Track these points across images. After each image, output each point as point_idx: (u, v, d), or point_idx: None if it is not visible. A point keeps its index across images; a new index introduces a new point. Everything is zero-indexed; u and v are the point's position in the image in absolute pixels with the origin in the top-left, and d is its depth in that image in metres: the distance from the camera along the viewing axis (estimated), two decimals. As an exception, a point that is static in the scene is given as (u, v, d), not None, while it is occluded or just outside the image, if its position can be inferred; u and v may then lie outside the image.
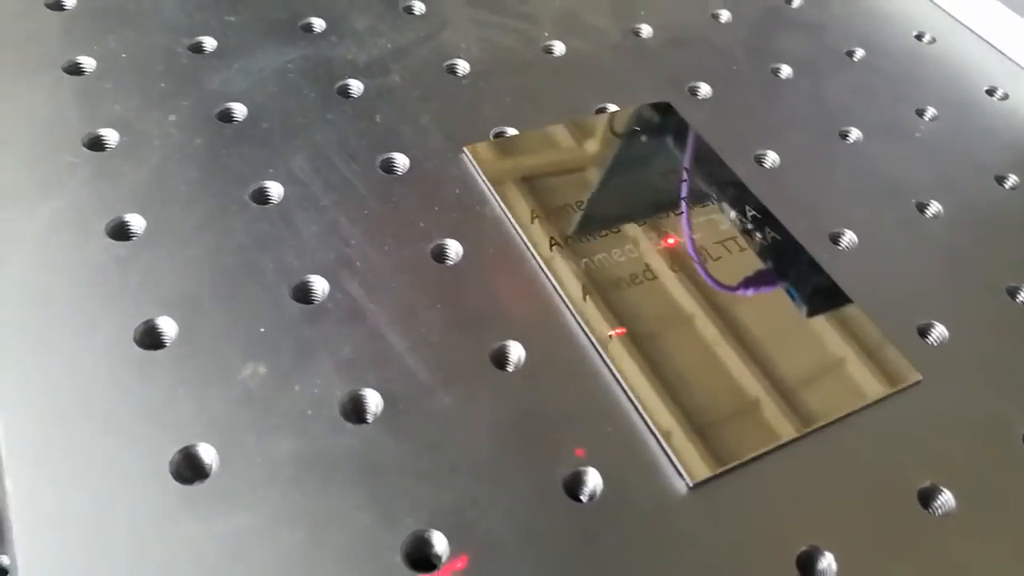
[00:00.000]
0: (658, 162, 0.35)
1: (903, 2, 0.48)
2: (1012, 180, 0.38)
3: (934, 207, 0.36)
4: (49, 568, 0.22)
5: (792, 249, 0.33)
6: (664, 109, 0.38)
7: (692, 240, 0.32)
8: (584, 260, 0.31)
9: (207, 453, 0.25)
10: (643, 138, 0.36)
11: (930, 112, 0.40)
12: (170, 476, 0.24)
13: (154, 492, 0.24)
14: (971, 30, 0.46)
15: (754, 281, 0.31)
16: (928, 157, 0.38)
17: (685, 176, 0.35)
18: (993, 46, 0.45)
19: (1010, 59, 0.45)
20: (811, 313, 0.30)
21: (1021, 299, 0.33)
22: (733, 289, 0.31)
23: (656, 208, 0.33)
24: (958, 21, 0.47)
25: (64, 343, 0.26)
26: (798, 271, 0.32)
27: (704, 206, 0.34)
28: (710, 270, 0.31)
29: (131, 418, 0.25)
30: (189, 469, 0.24)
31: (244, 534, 0.23)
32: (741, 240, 0.32)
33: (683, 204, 0.34)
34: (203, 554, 0.23)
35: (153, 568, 0.22)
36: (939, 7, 0.48)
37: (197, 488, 0.24)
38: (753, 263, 0.32)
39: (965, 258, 0.34)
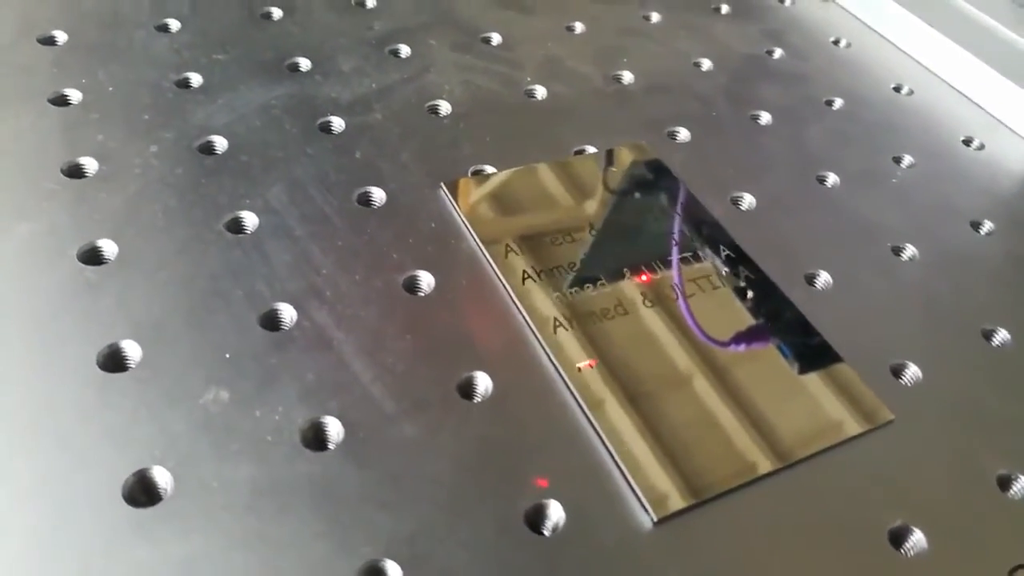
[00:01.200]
0: (642, 203, 0.36)
1: (882, 56, 0.49)
2: (988, 226, 0.38)
3: (910, 251, 0.36)
4: (-7, 588, 0.22)
5: (767, 289, 0.32)
6: (643, 153, 0.38)
7: (680, 279, 0.32)
8: (557, 294, 0.31)
9: (162, 477, 0.24)
10: (627, 181, 0.37)
11: (907, 160, 0.41)
12: (122, 499, 0.24)
13: (106, 514, 0.23)
14: (948, 84, 0.47)
15: (743, 335, 0.31)
16: (904, 202, 0.38)
17: (674, 220, 0.35)
18: (970, 99, 0.46)
19: (986, 111, 0.45)
20: (794, 353, 0.30)
21: (996, 342, 0.33)
22: (720, 343, 0.30)
23: (636, 248, 0.33)
24: (936, 75, 0.48)
25: (28, 362, 0.26)
26: (773, 310, 0.32)
27: (683, 246, 0.34)
28: (693, 310, 0.31)
29: (88, 439, 0.25)
30: (142, 493, 0.24)
31: (196, 559, 0.23)
32: (715, 279, 0.32)
33: (672, 245, 0.34)
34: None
35: (102, 591, 0.22)
36: (917, 62, 0.49)
37: (149, 512, 0.23)
38: (727, 301, 0.32)
39: (940, 301, 0.34)
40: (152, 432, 0.25)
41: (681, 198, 0.36)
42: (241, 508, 0.24)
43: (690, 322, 0.31)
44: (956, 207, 0.39)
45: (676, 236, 0.34)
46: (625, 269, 0.32)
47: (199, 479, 0.24)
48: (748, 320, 0.31)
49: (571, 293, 0.31)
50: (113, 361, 0.27)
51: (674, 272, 0.32)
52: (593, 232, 0.34)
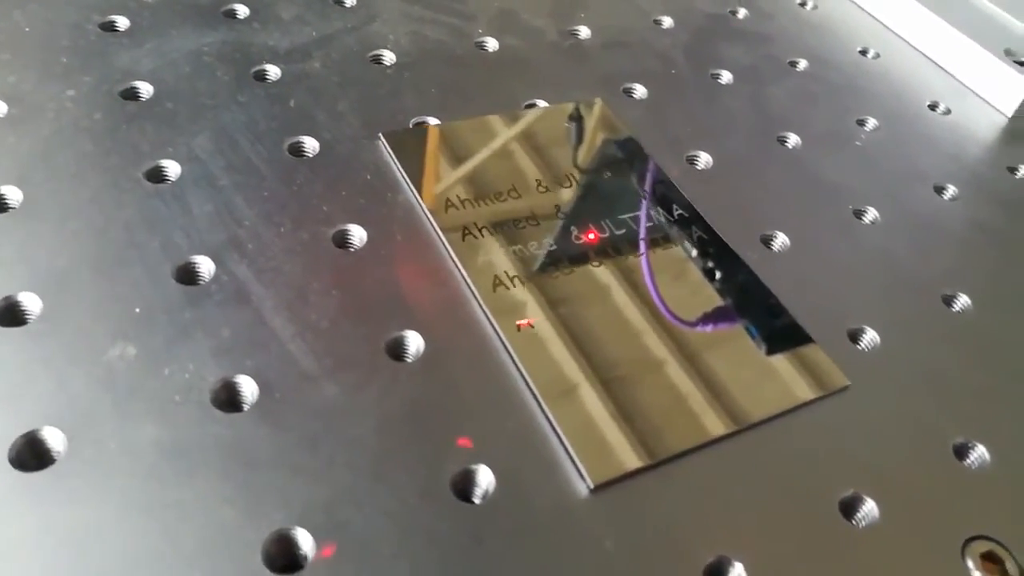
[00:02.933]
0: (594, 159, 0.34)
1: (849, 19, 0.48)
2: (951, 191, 0.36)
3: (871, 214, 0.34)
4: None
5: (720, 250, 0.31)
6: (597, 108, 0.36)
7: (645, 241, 0.30)
8: (500, 250, 0.29)
9: (54, 438, 0.22)
10: (579, 137, 0.35)
11: (871, 123, 0.39)
12: (8, 462, 0.21)
13: (-9, 478, 0.21)
14: (915, 47, 0.46)
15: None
16: (867, 165, 0.37)
17: (630, 176, 0.33)
18: (937, 63, 0.45)
19: (953, 77, 0.44)
20: (739, 311, 0.29)
21: (957, 308, 0.31)
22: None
23: (586, 205, 0.32)
24: (902, 38, 0.46)
25: (-89, 315, 0.24)
26: (726, 270, 0.30)
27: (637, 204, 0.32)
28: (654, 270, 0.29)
29: (-25, 398, 0.23)
30: (32, 456, 0.22)
31: (87, 527, 0.21)
32: (667, 235, 0.31)
33: (637, 203, 0.32)
34: (42, 547, 0.20)
35: (-15, 562, 0.20)
36: (884, 25, 0.47)
37: (38, 476, 0.21)
38: (679, 259, 0.30)
39: (901, 265, 0.32)
40: (47, 390, 0.23)
41: (637, 158, 0.34)
42: (142, 472, 0.22)
43: (648, 280, 0.29)
44: (920, 171, 0.37)
45: (634, 193, 0.32)
46: (572, 228, 0.30)
47: (96, 441, 0.22)
48: (705, 285, 0.30)
49: (515, 251, 0.29)
50: (9, 314, 0.25)
51: (641, 230, 0.31)
52: (541, 188, 0.32)
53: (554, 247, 0.30)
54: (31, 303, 0.25)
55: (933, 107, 0.42)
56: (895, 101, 0.41)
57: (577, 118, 0.36)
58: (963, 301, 0.31)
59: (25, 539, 0.20)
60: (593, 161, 0.34)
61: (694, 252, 0.30)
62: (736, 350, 0.28)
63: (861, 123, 0.39)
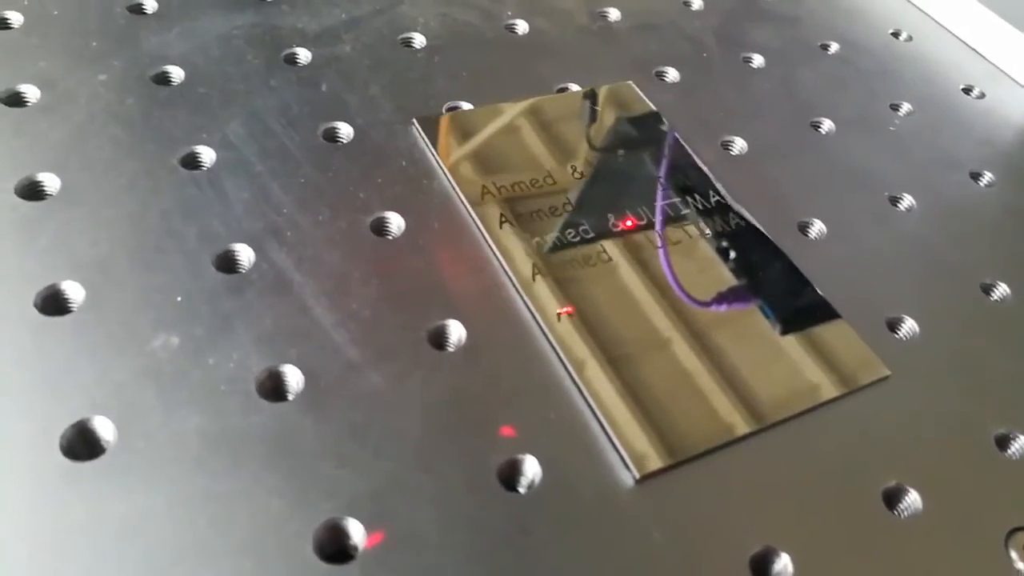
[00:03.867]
0: (629, 147, 0.34)
1: (880, 0, 0.47)
2: (988, 177, 0.36)
3: (907, 200, 0.34)
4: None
5: (757, 238, 0.31)
6: (630, 93, 0.36)
7: (663, 227, 0.30)
8: (536, 239, 0.29)
9: (104, 428, 0.22)
10: (613, 123, 0.35)
11: (905, 107, 0.39)
12: (60, 451, 0.22)
13: (43, 468, 0.21)
14: (948, 30, 0.45)
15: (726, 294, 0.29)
16: (902, 151, 0.36)
17: (662, 165, 0.33)
18: (970, 47, 0.44)
19: (987, 60, 0.43)
20: (779, 313, 0.28)
21: (995, 297, 0.31)
22: (701, 302, 0.29)
23: (622, 193, 0.31)
24: (935, 21, 0.45)
25: (-44, 304, 0.24)
26: (762, 261, 0.30)
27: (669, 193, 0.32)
28: (673, 261, 0.29)
29: (24, 386, 0.23)
30: (82, 444, 0.22)
31: (139, 516, 0.21)
32: (702, 224, 0.31)
33: (658, 192, 0.32)
34: (93, 536, 0.20)
35: (40, 548, 0.20)
36: (916, 6, 0.47)
37: (89, 466, 0.21)
38: (710, 254, 0.30)
39: (938, 253, 0.32)
40: (94, 380, 0.23)
41: (669, 142, 0.34)
42: (190, 462, 0.22)
43: (668, 274, 0.29)
44: (955, 157, 0.37)
45: (663, 182, 0.32)
46: (609, 215, 0.30)
47: (144, 431, 0.22)
48: (731, 277, 0.29)
49: (552, 239, 0.29)
50: (53, 303, 0.25)
51: (657, 220, 0.31)
52: (577, 175, 0.32)
53: (591, 235, 0.29)
54: (74, 292, 0.25)
55: (967, 91, 0.41)
56: (928, 85, 0.41)
57: (609, 102, 0.35)
58: (1002, 290, 0.31)
59: (77, 528, 0.20)
60: (627, 145, 0.34)
61: (723, 243, 0.30)
62: (774, 341, 0.27)
63: (895, 108, 0.39)
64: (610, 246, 0.29)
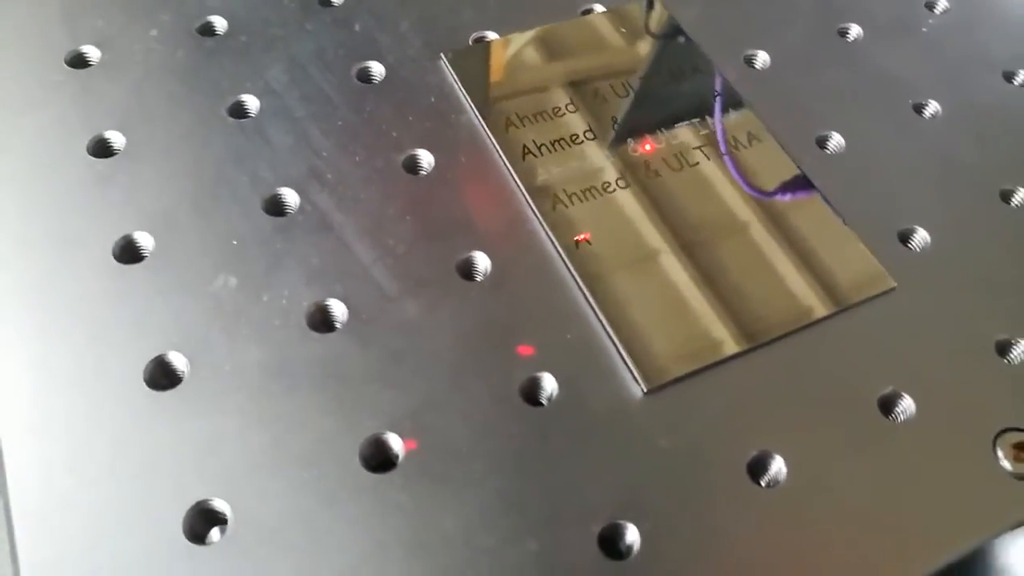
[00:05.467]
0: (654, 68, 0.34)
1: None
2: (1022, 76, 0.36)
3: (932, 107, 0.34)
4: (36, 466, 0.24)
5: (774, 154, 0.32)
6: (657, 9, 0.37)
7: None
8: (556, 169, 0.31)
9: (179, 361, 0.26)
10: (639, 44, 0.35)
11: (941, 5, 0.38)
12: (144, 383, 0.25)
13: (131, 398, 0.25)
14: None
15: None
16: (933, 54, 0.36)
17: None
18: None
19: (1038, -57, 0.41)
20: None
21: (1015, 202, 0.32)
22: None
23: (645, 115, 0.33)
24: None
25: (46, 257, 0.28)
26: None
27: (683, 114, 0.33)
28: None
29: (109, 329, 0.26)
30: (163, 376, 0.26)
31: (215, 436, 0.25)
32: (705, 149, 0.32)
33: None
34: (179, 454, 0.24)
35: (134, 465, 0.24)
36: None
37: (169, 394, 0.25)
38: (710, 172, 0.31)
39: (959, 160, 0.33)
40: (168, 320, 0.27)
41: (692, 58, 0.35)
42: (253, 389, 0.25)
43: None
44: (990, 57, 0.36)
45: (698, 98, 0.33)
46: (630, 139, 0.32)
47: (212, 363, 0.26)
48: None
49: (572, 167, 0.31)
50: (129, 253, 0.28)
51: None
52: (599, 99, 0.33)
53: (612, 158, 0.31)
54: (145, 241, 0.28)
55: (1010, -19, 0.40)
56: (969, -23, 0.40)
57: (635, 22, 0.36)
58: (1021, 195, 0.32)
59: (162, 448, 0.24)
60: (652, 67, 0.35)
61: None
62: (786, 255, 0.29)
63: (930, 6, 0.38)
64: (627, 171, 0.31)
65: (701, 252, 0.29)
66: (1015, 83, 0.36)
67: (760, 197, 0.30)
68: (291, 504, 0.24)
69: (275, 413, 0.25)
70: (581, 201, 0.30)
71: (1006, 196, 0.32)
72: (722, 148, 0.31)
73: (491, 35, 0.35)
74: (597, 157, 0.31)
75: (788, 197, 0.30)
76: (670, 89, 0.34)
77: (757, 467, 0.25)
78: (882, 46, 0.36)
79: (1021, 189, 0.32)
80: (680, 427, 0.26)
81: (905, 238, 0.30)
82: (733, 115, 0.33)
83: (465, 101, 0.33)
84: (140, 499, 0.23)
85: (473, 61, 0.34)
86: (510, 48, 0.35)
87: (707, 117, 0.33)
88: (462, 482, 0.24)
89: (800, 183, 0.31)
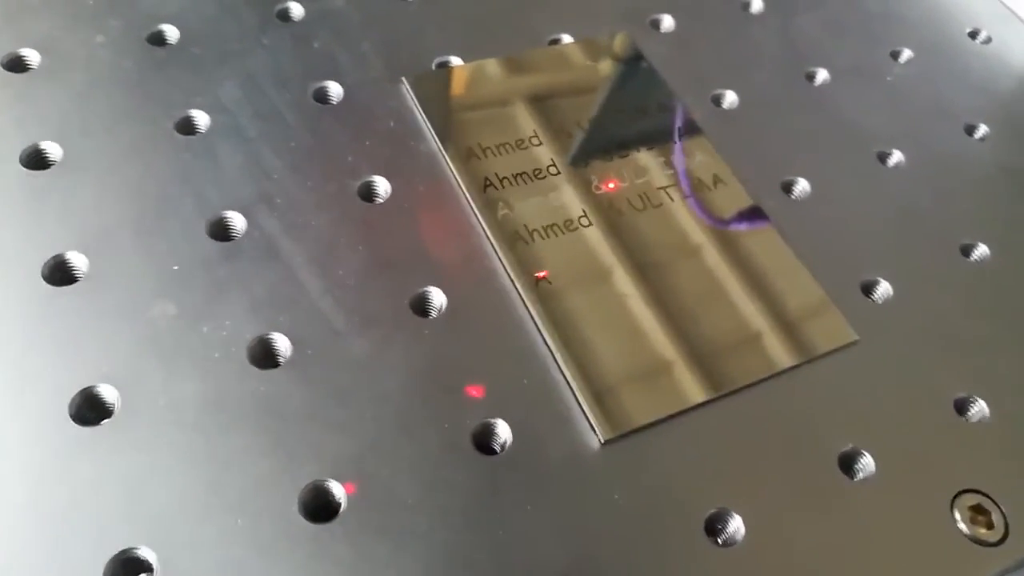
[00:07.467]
0: (621, 104, 0.34)
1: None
2: (983, 130, 0.36)
3: (896, 156, 0.34)
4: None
5: (739, 199, 0.31)
6: (624, 44, 0.36)
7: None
8: (519, 204, 0.30)
9: (109, 394, 0.24)
10: (606, 78, 0.35)
11: (906, 54, 0.38)
12: (69, 417, 0.23)
13: (54, 432, 0.23)
14: (961, -35, 0.44)
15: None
16: (897, 103, 0.36)
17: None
18: (983, -17, 0.43)
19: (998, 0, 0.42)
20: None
21: (974, 257, 0.32)
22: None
23: (611, 152, 0.32)
24: (949, -45, 0.44)
25: (-32, 275, 0.26)
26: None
27: (645, 150, 0.32)
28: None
29: (34, 356, 0.24)
30: (90, 410, 0.24)
31: (143, 477, 0.23)
32: (669, 191, 0.31)
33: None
34: (104, 495, 0.23)
35: (54, 508, 0.22)
36: (931, -61, 0.45)
37: (97, 429, 0.23)
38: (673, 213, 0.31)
39: (921, 212, 0.33)
40: (99, 348, 0.25)
41: (658, 94, 0.34)
42: (187, 426, 0.24)
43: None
44: (952, 108, 0.37)
45: (661, 134, 0.32)
46: (594, 177, 0.31)
47: (145, 397, 0.24)
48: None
49: (535, 203, 0.30)
50: (60, 273, 0.26)
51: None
52: (564, 133, 0.32)
53: (576, 195, 0.30)
54: (79, 261, 0.26)
55: (973, 35, 0.40)
56: (933, 29, 0.40)
57: (602, 56, 0.35)
58: (981, 251, 0.32)
59: (86, 487, 0.23)
60: (615, 101, 0.34)
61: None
62: (748, 304, 0.28)
63: (895, 55, 0.38)
64: (591, 209, 0.30)
65: (665, 295, 0.28)
66: (975, 136, 0.36)
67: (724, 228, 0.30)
68: (223, 554, 0.22)
69: (210, 453, 0.23)
70: (543, 238, 0.29)
71: (966, 250, 0.32)
72: (686, 191, 0.31)
73: (455, 60, 0.34)
74: (561, 193, 0.30)
75: (745, 227, 0.30)
76: (632, 124, 0.33)
77: (715, 525, 0.24)
78: (848, 92, 0.36)
79: (981, 244, 0.32)
80: (637, 480, 0.25)
81: (868, 289, 0.30)
82: (698, 157, 0.32)
83: (426, 127, 0.32)
84: (59, 545, 0.22)
85: (435, 86, 0.33)
86: (474, 75, 0.34)
87: (670, 157, 0.32)
88: (407, 535, 0.23)
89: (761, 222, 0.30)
